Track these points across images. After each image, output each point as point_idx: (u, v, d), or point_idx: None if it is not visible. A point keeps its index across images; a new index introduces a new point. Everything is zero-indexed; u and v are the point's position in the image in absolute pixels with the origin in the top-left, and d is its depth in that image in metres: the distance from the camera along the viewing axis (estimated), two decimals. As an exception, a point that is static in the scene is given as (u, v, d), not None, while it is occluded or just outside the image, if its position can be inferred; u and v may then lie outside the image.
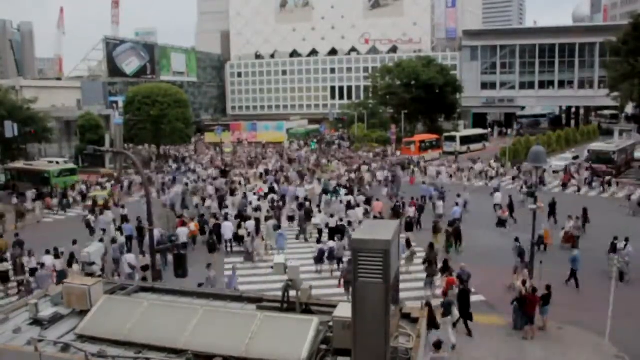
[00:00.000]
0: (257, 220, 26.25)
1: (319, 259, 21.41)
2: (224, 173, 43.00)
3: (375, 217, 26.96)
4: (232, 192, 34.33)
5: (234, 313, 7.46)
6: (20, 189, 38.81)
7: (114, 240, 23.46)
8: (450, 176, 43.34)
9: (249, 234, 24.15)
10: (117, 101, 67.71)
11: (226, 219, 26.09)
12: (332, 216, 25.86)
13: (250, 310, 7.60)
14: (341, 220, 25.71)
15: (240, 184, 38.66)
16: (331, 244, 21.83)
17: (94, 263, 20.25)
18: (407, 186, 37.90)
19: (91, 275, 16.60)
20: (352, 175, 40.19)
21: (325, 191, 33.84)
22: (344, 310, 6.39)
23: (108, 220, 27.41)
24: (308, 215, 27.27)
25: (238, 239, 24.85)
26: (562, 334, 15.65)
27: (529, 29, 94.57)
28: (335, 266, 21.29)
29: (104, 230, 25.95)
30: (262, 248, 23.70)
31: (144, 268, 19.25)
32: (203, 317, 7.06)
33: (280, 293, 7.82)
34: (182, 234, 23.99)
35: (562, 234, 23.95)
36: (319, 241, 22.87)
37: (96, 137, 51.46)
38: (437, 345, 11.82)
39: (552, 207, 28.02)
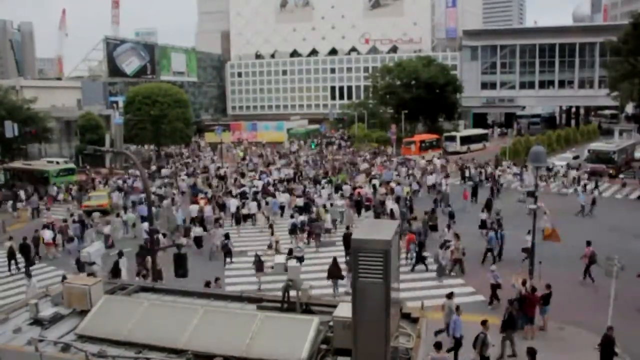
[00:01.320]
0: (258, 202, 31.39)
1: (292, 231, 25.47)
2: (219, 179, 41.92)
3: (357, 202, 30.25)
4: (222, 207, 31.40)
5: (234, 313, 7.46)
6: (19, 188, 38.83)
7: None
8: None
9: (252, 214, 29.91)
10: (117, 101, 67.76)
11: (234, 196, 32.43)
12: (299, 196, 31.89)
13: (251, 310, 7.60)
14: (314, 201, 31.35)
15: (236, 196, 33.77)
16: (301, 218, 26.83)
17: (94, 263, 20.26)
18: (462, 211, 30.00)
19: (91, 275, 16.61)
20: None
21: (315, 181, 38.30)
22: (344, 310, 6.39)
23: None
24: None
25: (243, 218, 29.69)
26: (563, 334, 15.66)
27: (529, 29, 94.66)
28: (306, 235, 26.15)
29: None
30: (262, 220, 29.32)
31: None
32: (203, 317, 7.06)
33: (280, 293, 7.83)
34: (193, 210, 29.08)
35: (449, 254, 21.52)
36: (292, 216, 26.94)
37: (96, 137, 51.52)
38: (438, 346, 11.83)
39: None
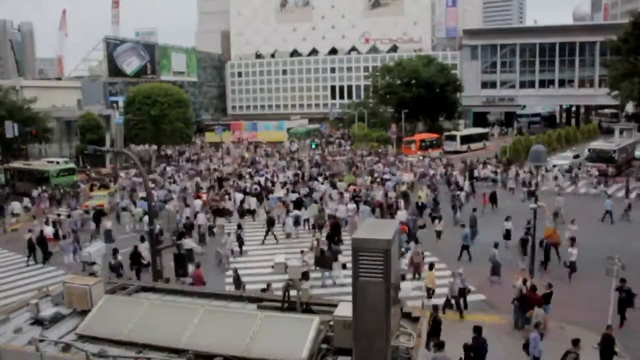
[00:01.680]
0: (259, 197, 32.96)
1: (296, 223, 26.90)
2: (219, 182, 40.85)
3: (353, 198, 30.44)
4: (219, 213, 30.58)
5: (234, 313, 7.46)
6: (20, 188, 38.82)
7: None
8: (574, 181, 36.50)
9: (253, 210, 31.06)
10: (117, 101, 67.69)
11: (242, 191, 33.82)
12: (294, 192, 33.00)
13: (251, 310, 7.60)
14: (305, 196, 31.99)
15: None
16: (297, 212, 27.87)
17: (94, 263, 20.32)
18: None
19: (92, 275, 16.61)
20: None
21: (311, 177, 39.33)
22: (345, 310, 6.39)
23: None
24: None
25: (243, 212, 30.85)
26: (563, 333, 15.63)
27: (529, 28, 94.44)
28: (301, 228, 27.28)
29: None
30: (262, 215, 29.92)
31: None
32: (204, 317, 7.06)
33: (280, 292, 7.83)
34: (197, 204, 29.76)
35: (408, 261, 20.04)
36: (288, 212, 28.09)
37: (96, 137, 51.54)
38: (440, 345, 11.82)
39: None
